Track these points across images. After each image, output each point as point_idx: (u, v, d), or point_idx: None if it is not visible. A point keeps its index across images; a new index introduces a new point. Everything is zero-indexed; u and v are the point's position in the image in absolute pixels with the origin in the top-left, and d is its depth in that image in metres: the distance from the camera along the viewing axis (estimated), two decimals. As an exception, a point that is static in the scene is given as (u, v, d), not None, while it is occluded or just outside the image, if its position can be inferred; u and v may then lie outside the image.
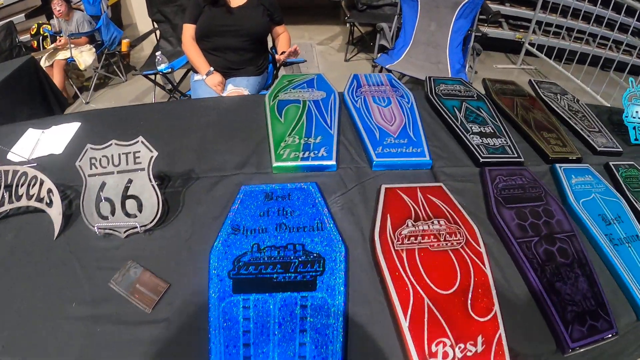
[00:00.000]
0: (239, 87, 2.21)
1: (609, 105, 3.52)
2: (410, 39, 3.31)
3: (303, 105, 1.50)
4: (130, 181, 1.11)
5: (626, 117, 1.80)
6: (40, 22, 4.12)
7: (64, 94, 3.37)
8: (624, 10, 3.77)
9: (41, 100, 2.74)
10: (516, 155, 1.43)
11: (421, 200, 1.13)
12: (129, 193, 1.10)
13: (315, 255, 0.95)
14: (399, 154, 1.31)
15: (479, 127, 1.52)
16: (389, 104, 1.57)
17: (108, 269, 0.97)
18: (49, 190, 1.12)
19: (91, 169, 1.12)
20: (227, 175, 1.26)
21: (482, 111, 1.63)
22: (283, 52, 2.23)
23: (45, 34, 3.98)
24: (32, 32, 4.03)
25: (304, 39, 4.85)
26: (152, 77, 2.73)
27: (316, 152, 1.27)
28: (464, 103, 1.66)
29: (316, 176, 1.24)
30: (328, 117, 1.46)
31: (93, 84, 3.74)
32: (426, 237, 1.01)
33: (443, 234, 1.03)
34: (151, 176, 1.10)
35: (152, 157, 1.10)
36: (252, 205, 1.08)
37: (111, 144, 1.12)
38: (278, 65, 2.38)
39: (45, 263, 0.99)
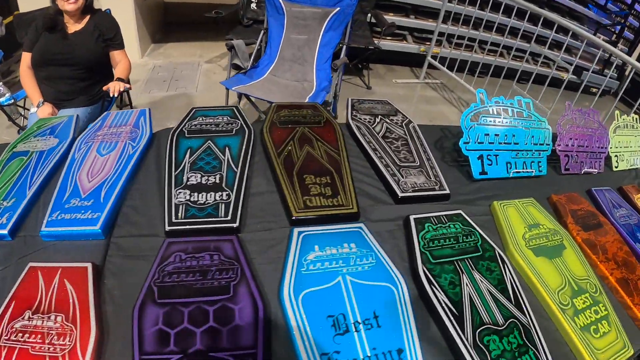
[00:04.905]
0: None
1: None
2: (276, 55, 2.85)
3: (27, 159, 1.18)
4: None
5: (466, 143, 1.31)
6: None
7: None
8: (541, 21, 3.42)
9: None
10: (229, 218, 0.97)
11: (54, 286, 0.84)
12: None
13: None
14: (73, 221, 0.97)
15: (202, 177, 1.08)
16: (112, 151, 1.19)
17: None
18: None
19: None
20: None
21: (229, 151, 1.17)
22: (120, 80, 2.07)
23: None
24: None
25: (194, 57, 4.38)
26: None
27: (-4, 219, 0.95)
28: (208, 142, 1.20)
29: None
30: (39, 172, 1.13)
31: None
32: (33, 336, 0.76)
33: (52, 335, 0.76)
34: None
35: None
36: None
37: None
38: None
39: None
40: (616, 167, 1.78)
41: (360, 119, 1.42)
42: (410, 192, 1.14)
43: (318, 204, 1.04)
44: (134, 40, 4.16)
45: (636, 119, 1.96)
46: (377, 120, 1.43)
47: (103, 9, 2.25)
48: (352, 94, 3.80)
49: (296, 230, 0.98)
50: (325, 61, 2.76)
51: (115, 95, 1.99)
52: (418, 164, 1.25)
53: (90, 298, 0.81)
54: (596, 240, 1.25)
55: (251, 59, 2.89)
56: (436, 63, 3.92)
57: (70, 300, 0.81)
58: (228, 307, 0.79)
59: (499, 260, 1.02)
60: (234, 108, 1.39)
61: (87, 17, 2.05)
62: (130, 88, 2.14)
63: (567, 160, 1.58)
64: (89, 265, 0.86)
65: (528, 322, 0.91)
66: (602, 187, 1.56)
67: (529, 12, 3.32)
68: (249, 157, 1.19)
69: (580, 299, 1.02)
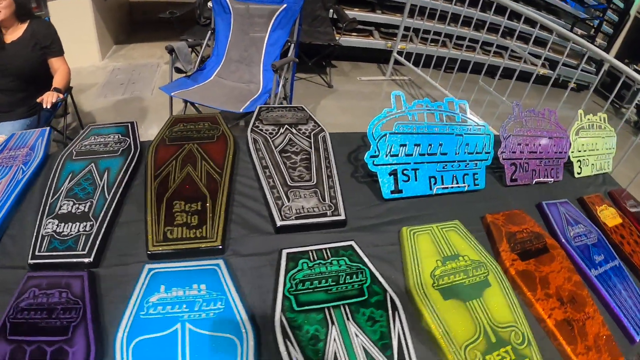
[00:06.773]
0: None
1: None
2: (223, 56, 2.66)
3: None
4: None
5: (374, 157, 1.09)
6: None
7: None
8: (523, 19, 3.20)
9: None
10: (85, 252, 0.87)
11: None
12: None
13: None
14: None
15: (73, 205, 0.97)
16: (4, 176, 1.08)
17: None
18: None
19: None
20: None
21: (108, 174, 1.05)
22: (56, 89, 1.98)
23: None
24: None
25: (154, 58, 4.17)
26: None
27: None
28: (91, 164, 1.08)
29: None
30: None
31: None
32: None
33: None
34: None
35: None
36: None
37: None
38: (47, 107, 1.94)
39: None
40: (579, 174, 1.56)
41: (262, 130, 1.20)
42: (292, 219, 0.93)
43: (179, 236, 0.89)
44: (94, 42, 3.95)
45: (604, 118, 1.74)
46: (282, 130, 1.21)
47: (46, 16, 2.23)
48: (312, 93, 3.58)
49: (147, 266, 0.84)
50: (272, 61, 2.55)
51: (48, 107, 1.87)
52: (314, 183, 1.03)
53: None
54: (536, 271, 1.03)
55: (197, 62, 2.68)
56: (402, 59, 3.69)
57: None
58: (64, 349, 0.73)
59: (389, 307, 0.80)
60: (128, 124, 1.25)
61: (25, 26, 1.99)
62: (64, 99, 2.04)
63: (514, 170, 1.36)
64: None
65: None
66: (559, 199, 1.34)
67: (495, 2, 3.10)
68: (124, 181, 1.04)
69: (498, 355, 0.81)
